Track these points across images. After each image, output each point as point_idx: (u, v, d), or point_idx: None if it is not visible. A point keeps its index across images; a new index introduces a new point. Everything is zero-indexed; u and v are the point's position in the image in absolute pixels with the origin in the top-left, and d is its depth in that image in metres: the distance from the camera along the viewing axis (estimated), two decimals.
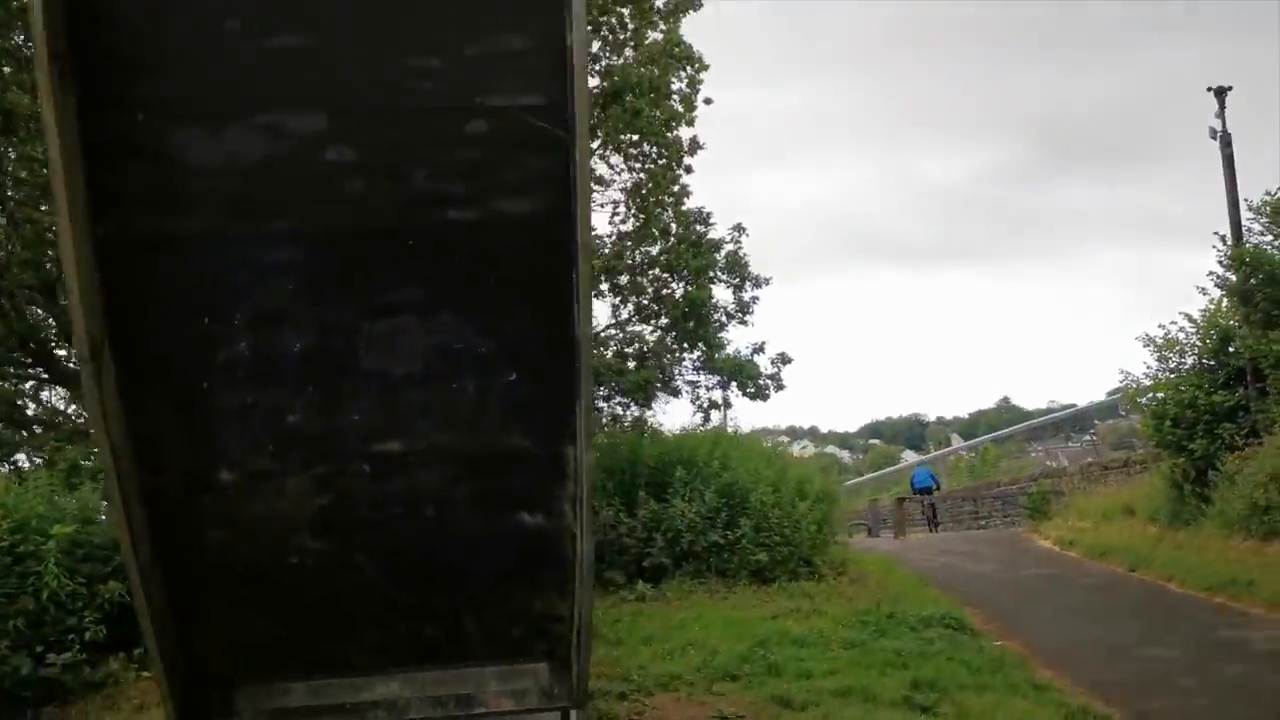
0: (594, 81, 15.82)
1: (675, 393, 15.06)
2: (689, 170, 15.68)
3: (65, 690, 7.44)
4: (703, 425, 15.90)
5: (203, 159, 3.81)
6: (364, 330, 4.07)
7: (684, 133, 15.72)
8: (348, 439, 4.22)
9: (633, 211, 15.56)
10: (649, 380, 13.85)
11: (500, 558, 4.62)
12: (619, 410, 15.06)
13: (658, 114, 14.72)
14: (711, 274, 15.05)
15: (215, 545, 4.38)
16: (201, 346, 4.00)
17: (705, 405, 16.11)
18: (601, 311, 15.96)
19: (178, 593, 4.45)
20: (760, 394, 15.57)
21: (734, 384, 15.74)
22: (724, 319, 15.27)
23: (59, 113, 3.46)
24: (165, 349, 4.00)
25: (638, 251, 15.18)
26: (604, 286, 15.29)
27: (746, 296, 15.34)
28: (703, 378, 15.91)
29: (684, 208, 15.56)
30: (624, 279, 14.97)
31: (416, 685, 5.00)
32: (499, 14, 3.84)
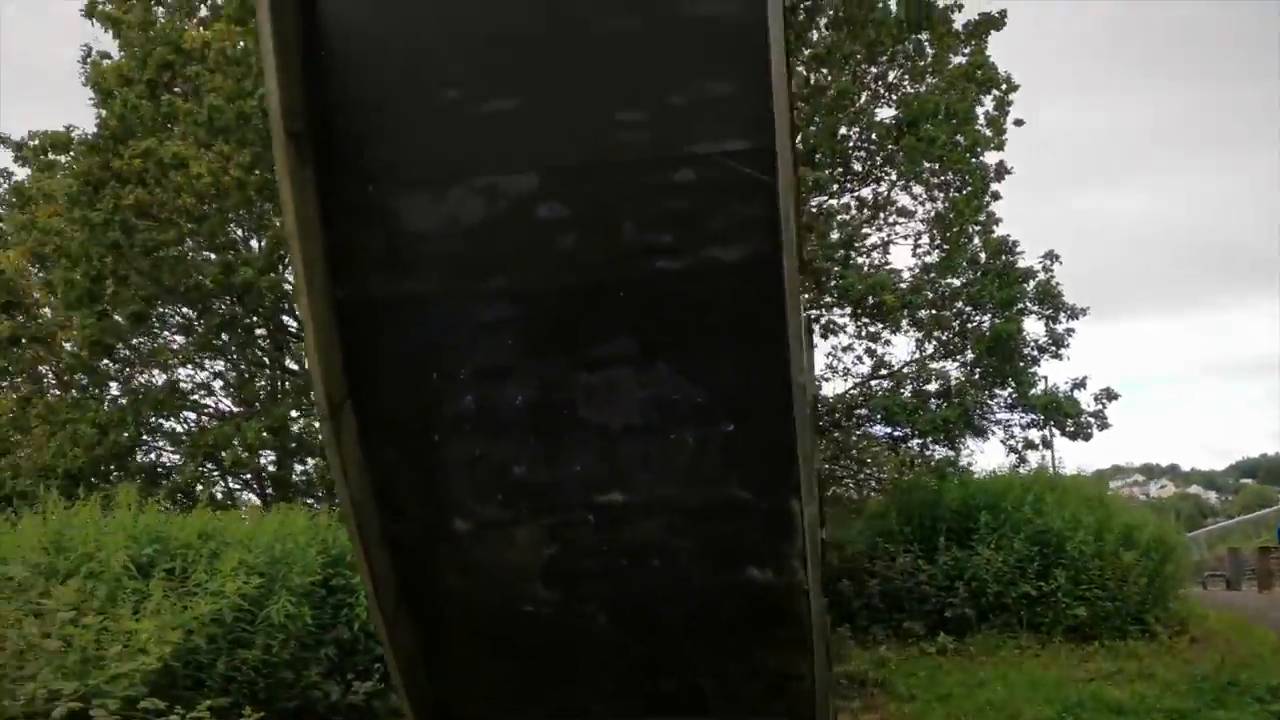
0: (889, 112, 15.43)
1: (980, 432, 14.25)
2: (996, 197, 14.93)
3: (372, 716, 8.01)
4: (1017, 466, 14.97)
5: (427, 223, 4.00)
6: (581, 383, 4.11)
7: (991, 157, 15.02)
8: (572, 490, 4.27)
9: (936, 243, 14.98)
10: (949, 419, 13.18)
11: (729, 613, 4.49)
12: (918, 451, 14.45)
13: (960, 140, 14.11)
14: (1020, 305, 14.17)
15: (455, 591, 4.54)
16: (431, 401, 4.19)
17: (1019, 445, 15.18)
18: (902, 347, 15.36)
19: (424, 635, 4.66)
20: (1081, 433, 14.45)
21: (1051, 423, 14.72)
22: (1035, 353, 14.32)
23: (294, 185, 3.73)
24: (398, 404, 4.21)
25: (940, 283, 14.57)
26: (904, 322, 14.79)
27: (1060, 328, 14.32)
28: (1016, 416, 15.01)
29: (992, 235, 14.80)
30: (925, 313, 14.39)
31: None
32: (702, 62, 3.78)
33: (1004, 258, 14.20)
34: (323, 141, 3.93)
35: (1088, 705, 9.18)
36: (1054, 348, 14.32)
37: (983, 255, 14.60)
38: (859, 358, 15.65)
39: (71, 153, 14.72)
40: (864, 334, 15.50)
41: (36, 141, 15.55)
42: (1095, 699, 9.38)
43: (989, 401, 14.70)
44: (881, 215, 15.20)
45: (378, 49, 3.94)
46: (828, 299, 13.76)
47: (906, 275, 14.45)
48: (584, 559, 4.42)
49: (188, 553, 7.60)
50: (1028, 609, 12.33)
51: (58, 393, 15.26)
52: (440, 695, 4.90)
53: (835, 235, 13.80)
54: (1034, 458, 15.40)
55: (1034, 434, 15.19)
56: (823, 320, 14.68)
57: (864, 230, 14.90)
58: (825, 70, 14.80)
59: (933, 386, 14.31)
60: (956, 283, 14.19)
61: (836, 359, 15.93)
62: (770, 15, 3.56)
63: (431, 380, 4.17)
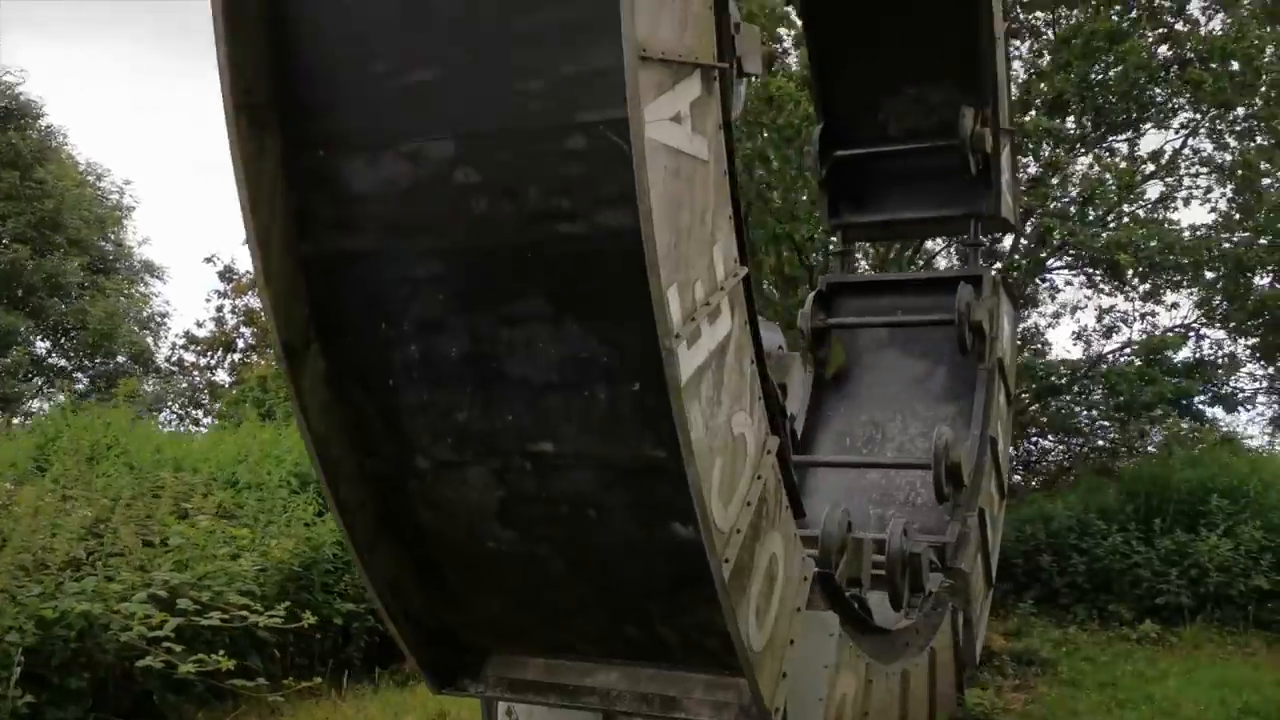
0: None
1: (1231, 407, 12.86)
2: None
3: None
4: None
5: (365, 186, 4.36)
6: (504, 338, 4.35)
7: None
8: (509, 438, 4.53)
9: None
10: (1187, 393, 12.03)
11: (668, 567, 4.61)
12: (1150, 423, 13.25)
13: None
14: None
15: (428, 525, 4.95)
16: (384, 349, 4.58)
17: None
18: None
19: (411, 563, 5.11)
20: None
21: None
22: None
23: (243, 152, 4.22)
24: (358, 350, 4.64)
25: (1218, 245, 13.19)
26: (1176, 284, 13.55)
27: None
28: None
29: None
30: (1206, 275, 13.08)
31: (631, 679, 5.17)
32: (594, 32, 3.88)
33: None
34: (283, 112, 4.39)
35: (1261, 713, 8.30)
36: None
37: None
38: (1108, 322, 14.50)
39: None
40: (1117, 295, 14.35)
41: None
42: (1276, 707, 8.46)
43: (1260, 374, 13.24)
44: (1156, 166, 13.83)
45: (318, 31, 4.32)
46: (1060, 260, 12.81)
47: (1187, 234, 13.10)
48: (530, 504, 4.68)
49: None
50: (1257, 604, 11.17)
51: None
52: (442, 622, 5.36)
53: (1075, 190, 12.80)
54: None
55: None
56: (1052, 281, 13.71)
57: (1113, 183, 13.61)
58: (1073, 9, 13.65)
59: (1184, 354, 13.02)
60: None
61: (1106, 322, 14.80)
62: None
63: (381, 330, 4.55)
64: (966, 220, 10.89)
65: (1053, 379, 13.74)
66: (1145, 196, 13.48)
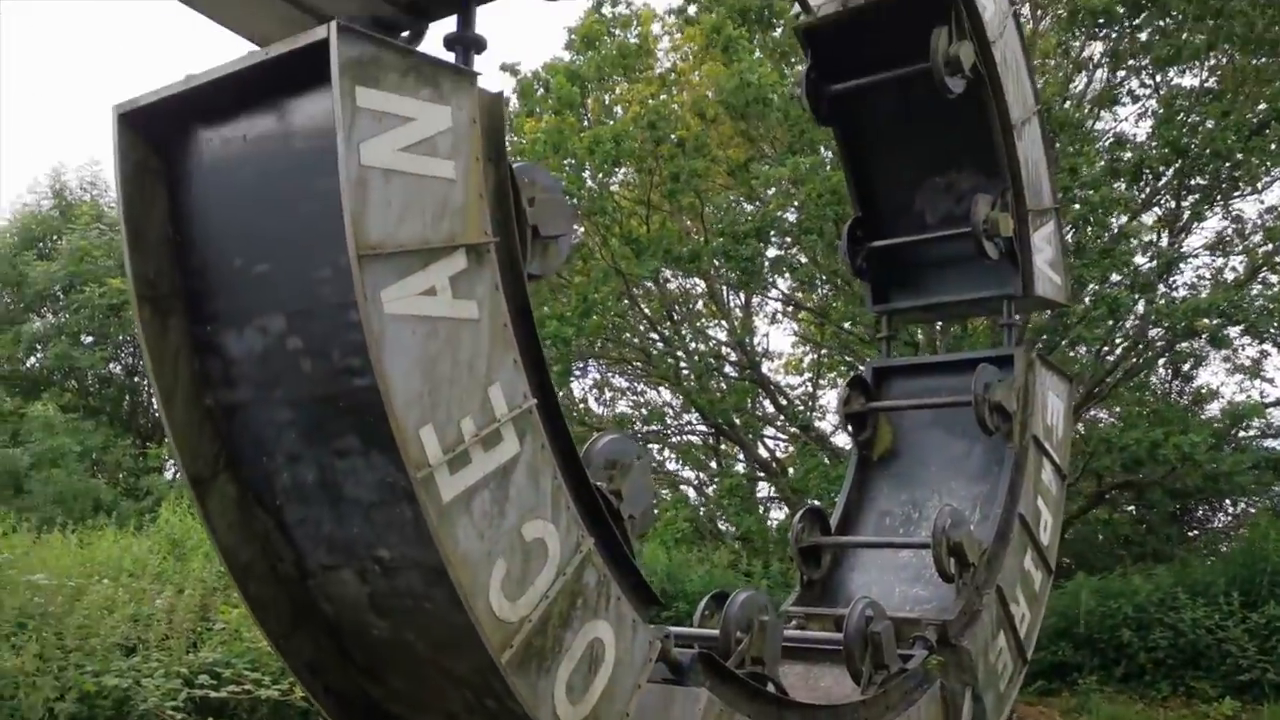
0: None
1: None
2: None
3: None
4: None
5: (239, 352, 5.64)
6: (338, 466, 5.48)
7: None
8: (359, 546, 5.62)
9: None
10: None
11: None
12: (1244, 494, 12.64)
13: None
14: None
15: (331, 615, 6.10)
16: (269, 477, 5.81)
17: None
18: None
19: (329, 646, 6.28)
20: None
21: None
22: None
23: (147, 332, 5.62)
24: (253, 478, 5.89)
25: None
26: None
27: None
28: None
29: None
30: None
31: None
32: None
33: None
34: (183, 297, 5.77)
35: None
36: None
37: None
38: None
39: None
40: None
41: None
42: None
43: None
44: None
45: (199, 242, 5.68)
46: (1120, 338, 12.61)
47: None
48: (389, 598, 5.74)
49: None
50: None
51: None
52: (365, 694, 6.48)
53: (1140, 259, 12.66)
54: None
55: None
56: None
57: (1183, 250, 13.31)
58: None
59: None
60: None
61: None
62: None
63: (264, 462, 5.79)
64: (1002, 301, 11.13)
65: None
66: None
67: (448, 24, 5.83)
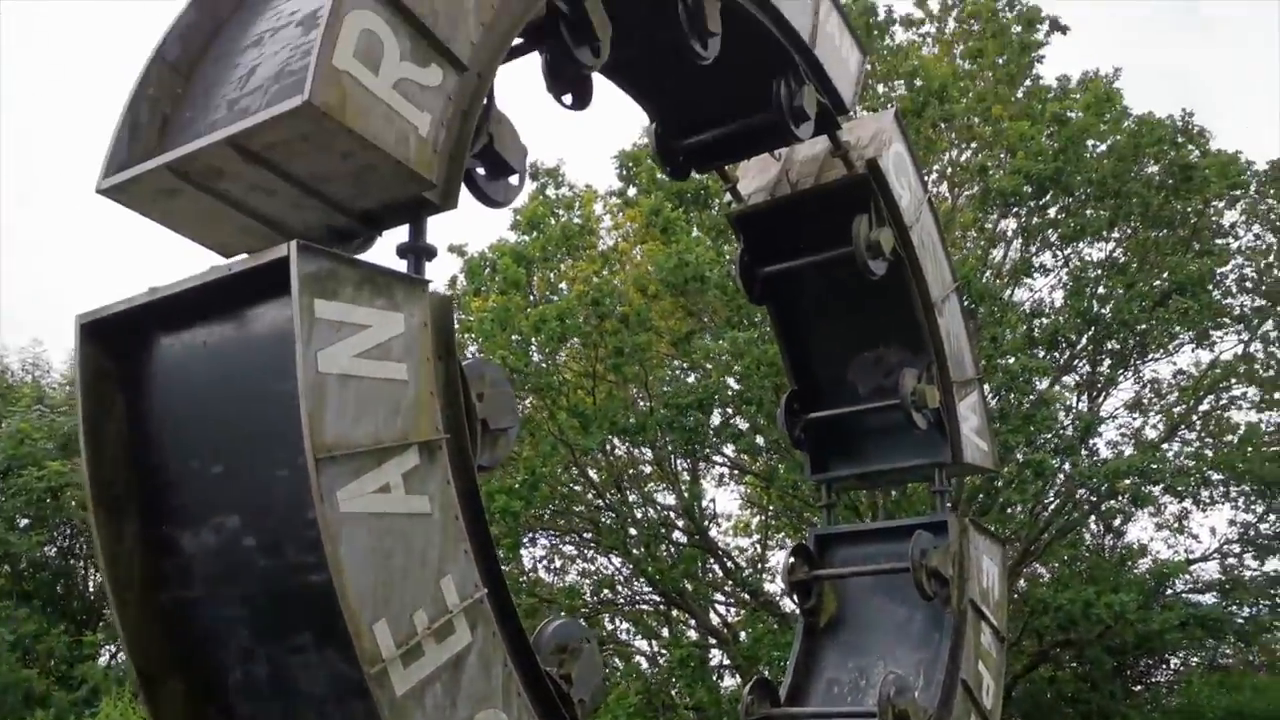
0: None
1: (1244, 637, 12.48)
2: None
3: None
4: None
5: (193, 549, 5.79)
6: (292, 663, 5.58)
7: None
8: None
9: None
10: (1215, 618, 11.90)
11: None
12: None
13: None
14: None
15: None
16: (221, 673, 5.88)
17: None
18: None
19: None
20: None
21: None
22: None
23: (101, 533, 5.76)
24: (204, 674, 5.95)
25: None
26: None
27: None
28: None
29: None
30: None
31: None
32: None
33: None
34: (138, 498, 5.94)
35: None
36: None
37: None
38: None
39: None
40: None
41: None
42: None
43: None
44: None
45: (155, 443, 5.90)
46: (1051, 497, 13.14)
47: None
48: None
49: None
50: None
51: None
52: None
53: (1065, 421, 13.27)
54: None
55: None
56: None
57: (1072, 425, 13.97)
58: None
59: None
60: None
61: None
62: None
63: (216, 658, 5.88)
64: (934, 468, 11.55)
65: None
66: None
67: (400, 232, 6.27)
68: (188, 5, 6.44)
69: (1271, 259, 16.40)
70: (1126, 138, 16.18)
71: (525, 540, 23.47)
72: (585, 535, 24.55)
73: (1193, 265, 14.97)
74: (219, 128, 5.74)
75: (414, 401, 5.62)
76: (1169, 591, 13.68)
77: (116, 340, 5.98)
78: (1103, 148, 16.71)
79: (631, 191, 21.21)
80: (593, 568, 28.20)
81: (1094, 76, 18.81)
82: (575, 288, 20.08)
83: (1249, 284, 16.10)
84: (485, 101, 6.46)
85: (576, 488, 22.83)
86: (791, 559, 11.43)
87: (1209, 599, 13.72)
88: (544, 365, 19.25)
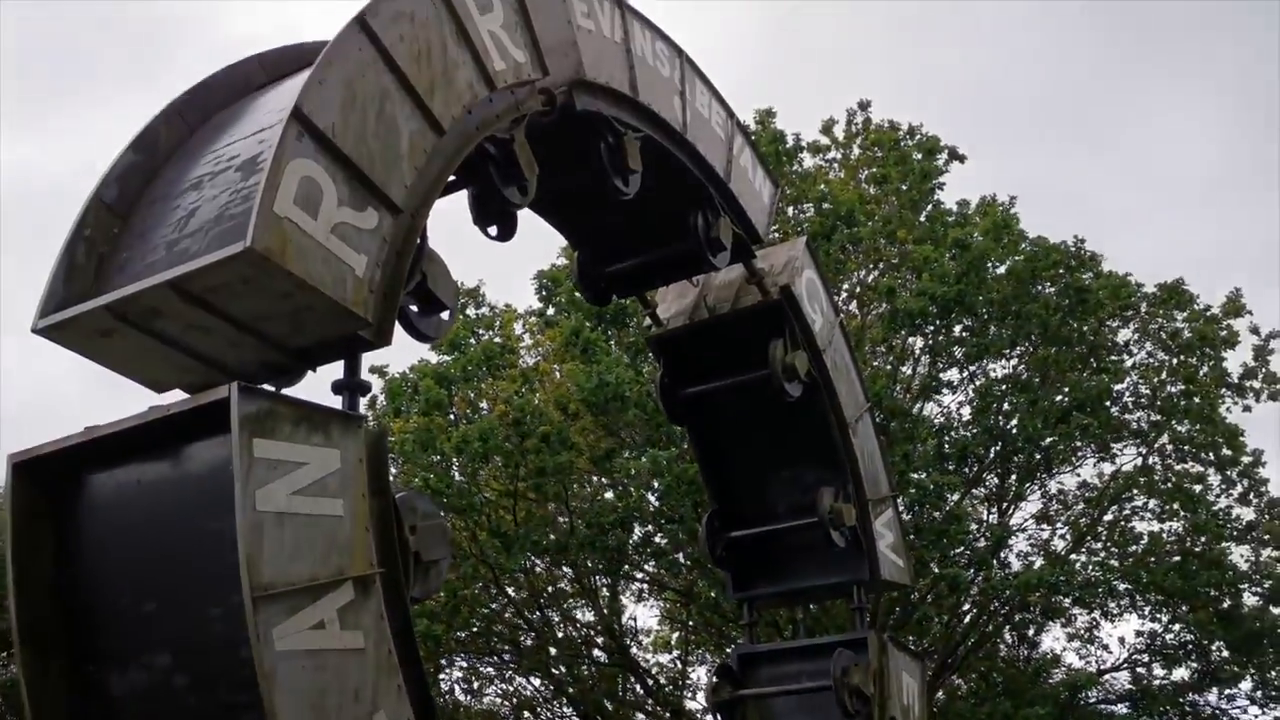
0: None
1: None
2: None
3: None
4: None
5: (121, 690, 5.75)
6: None
7: None
8: None
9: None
10: None
11: None
12: None
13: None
14: None
15: None
16: None
17: None
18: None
19: None
20: None
21: None
22: None
23: (26, 671, 5.68)
24: None
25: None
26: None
27: None
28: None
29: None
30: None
31: None
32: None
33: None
34: (66, 638, 5.89)
35: None
36: None
37: None
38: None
39: None
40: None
41: None
42: None
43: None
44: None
45: (84, 583, 5.89)
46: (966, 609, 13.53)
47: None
48: None
49: None
50: None
51: None
52: None
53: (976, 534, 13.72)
54: None
55: None
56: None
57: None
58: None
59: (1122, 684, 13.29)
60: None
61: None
62: None
63: None
64: (853, 585, 11.81)
65: None
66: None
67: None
68: (127, 147, 6.65)
69: (1165, 375, 17.35)
70: (1025, 261, 17.13)
71: (443, 662, 23.05)
72: (504, 656, 24.18)
73: (1091, 382, 15.81)
74: (158, 270, 5.88)
75: (349, 537, 5.72)
76: (1083, 703, 14.02)
77: (49, 478, 6.00)
78: (1001, 270, 17.63)
79: (551, 311, 21.59)
80: (511, 688, 27.71)
81: (991, 201, 19.86)
82: (496, 407, 20.25)
83: (1143, 400, 17.02)
84: (419, 241, 6.72)
85: (495, 607, 22.59)
86: (715, 679, 11.52)
87: (1122, 709, 14.13)
88: (465, 485, 19.24)
